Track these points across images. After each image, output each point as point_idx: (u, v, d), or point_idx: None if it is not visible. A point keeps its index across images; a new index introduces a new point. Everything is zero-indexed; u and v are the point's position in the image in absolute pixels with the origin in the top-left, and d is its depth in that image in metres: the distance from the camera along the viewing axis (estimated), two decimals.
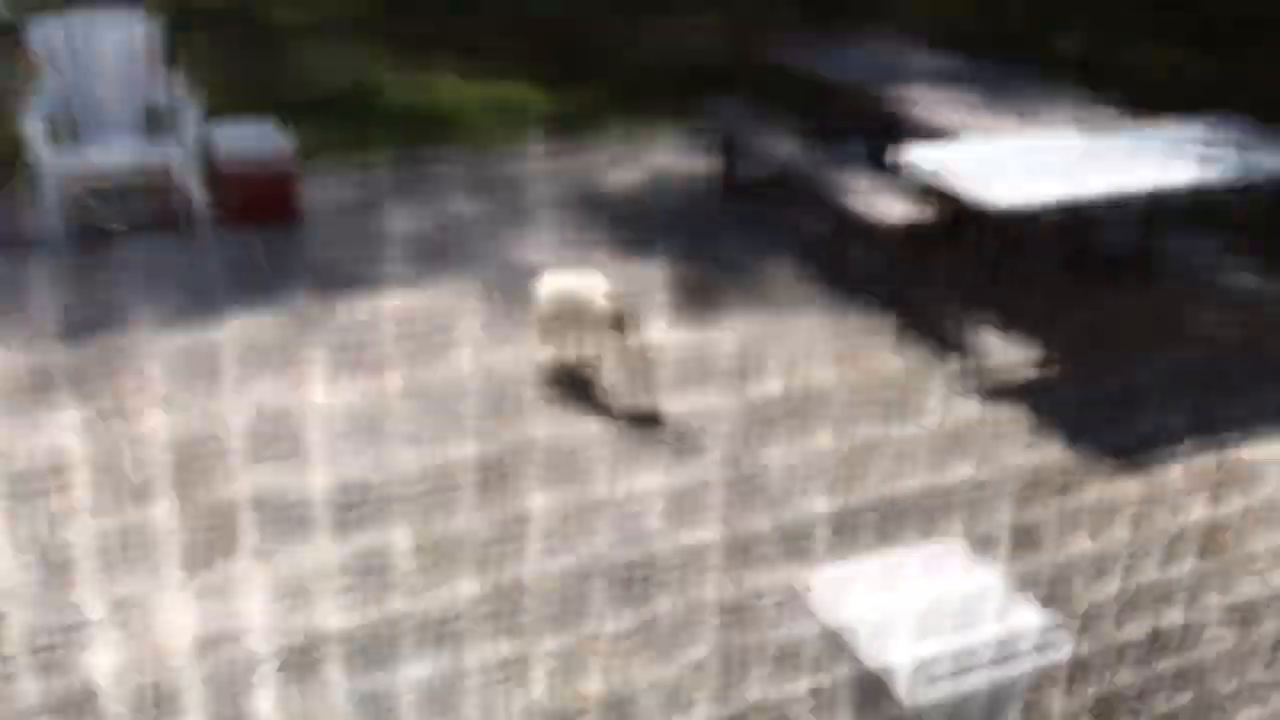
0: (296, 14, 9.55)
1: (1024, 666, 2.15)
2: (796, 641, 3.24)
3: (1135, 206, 5.06)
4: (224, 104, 6.61)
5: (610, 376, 4.52)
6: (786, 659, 3.20)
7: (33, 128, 5.50)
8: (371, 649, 3.24)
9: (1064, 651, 2.22)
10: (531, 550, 3.64)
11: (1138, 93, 6.37)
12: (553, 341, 4.58)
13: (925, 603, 2.19)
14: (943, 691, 2.10)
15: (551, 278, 4.59)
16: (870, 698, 2.23)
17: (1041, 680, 2.22)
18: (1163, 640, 3.35)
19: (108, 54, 5.95)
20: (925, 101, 5.56)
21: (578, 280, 4.53)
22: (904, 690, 2.11)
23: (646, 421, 4.32)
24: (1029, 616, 2.26)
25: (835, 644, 2.36)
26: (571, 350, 4.59)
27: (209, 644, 3.25)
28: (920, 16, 9.26)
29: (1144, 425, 4.37)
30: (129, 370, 4.59)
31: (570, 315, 4.47)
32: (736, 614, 3.38)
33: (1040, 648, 2.17)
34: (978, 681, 2.12)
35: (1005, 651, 2.14)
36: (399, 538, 3.67)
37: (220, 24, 9.09)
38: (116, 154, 5.78)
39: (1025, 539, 3.74)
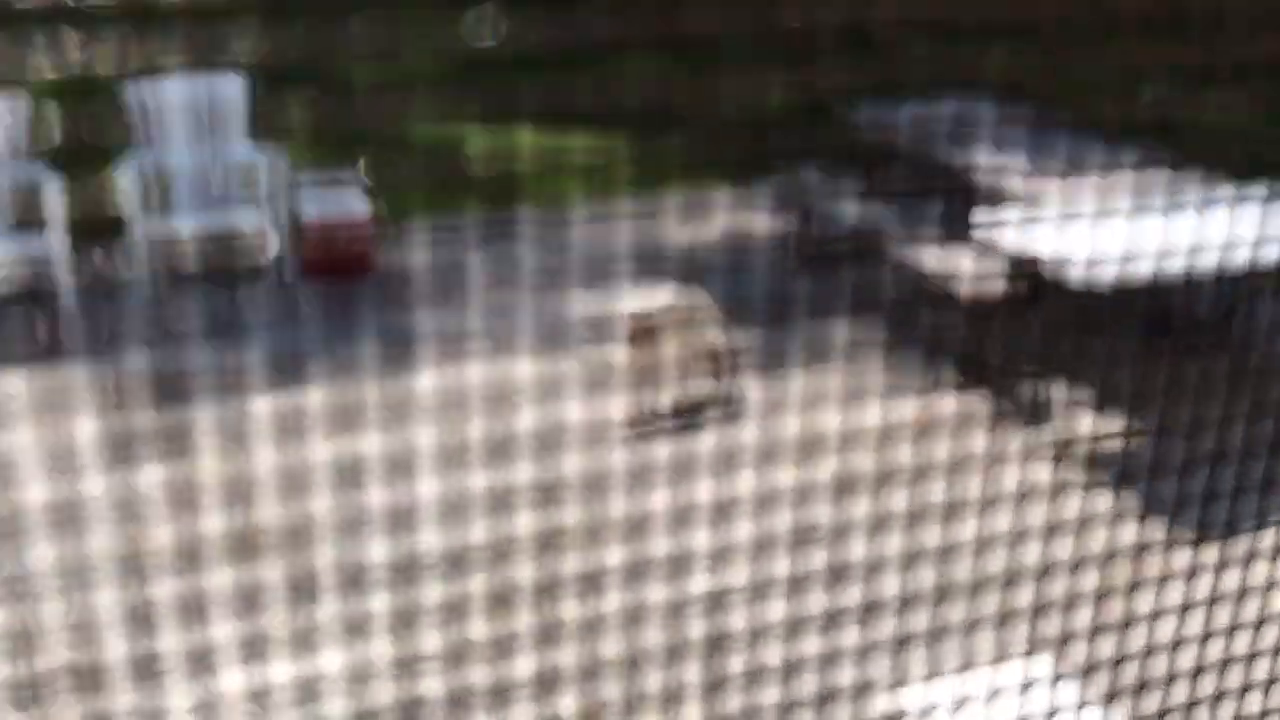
0: (378, 72, 9.75)
1: None
2: None
3: (1220, 275, 4.99)
4: (307, 161, 6.77)
5: (692, 370, 4.82)
6: None
7: (126, 188, 5.67)
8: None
9: None
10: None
11: (1222, 153, 6.30)
12: (640, 354, 4.77)
13: None
14: None
15: (636, 296, 4.94)
16: None
17: None
18: None
19: (198, 114, 6.12)
20: (1003, 166, 5.55)
21: (659, 296, 4.92)
22: None
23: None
24: None
25: None
26: (657, 358, 4.81)
27: (269, 692, 3.29)
28: (999, 75, 9.23)
29: (1228, 499, 4.29)
30: (215, 425, 4.69)
31: (658, 325, 4.78)
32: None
33: None
34: None
35: None
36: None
37: (302, 82, 9.29)
38: (206, 217, 5.96)
39: (1108, 617, 3.68)
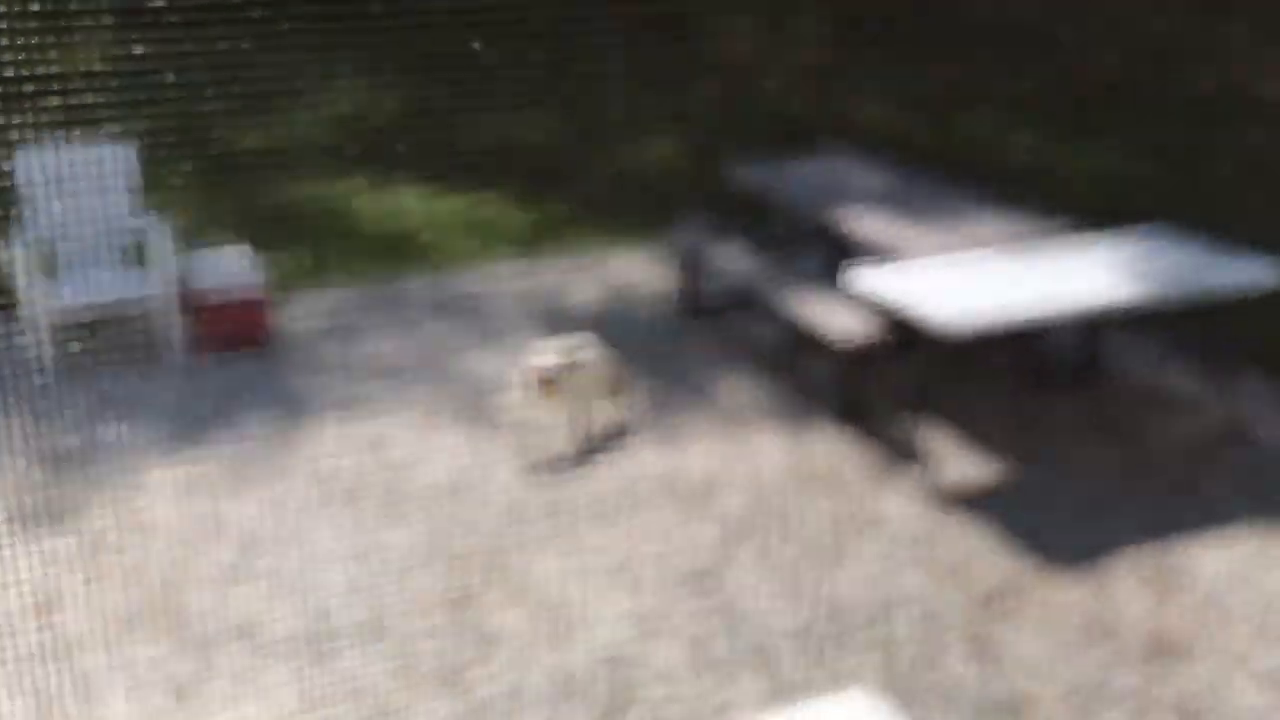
0: (264, 139, 9.80)
1: None
2: None
3: (1080, 318, 5.31)
4: (196, 230, 6.83)
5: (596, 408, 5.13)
6: None
7: (17, 258, 5.68)
8: None
9: None
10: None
11: (1086, 201, 6.67)
12: (547, 403, 4.98)
13: None
14: None
15: (542, 345, 5.16)
16: None
17: None
18: None
19: (87, 184, 6.15)
20: (874, 220, 5.82)
21: (566, 344, 5.15)
22: None
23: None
24: None
25: None
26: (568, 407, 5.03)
27: None
28: (875, 130, 9.61)
29: (1093, 530, 4.56)
30: (113, 499, 4.72)
31: (566, 372, 4.99)
32: None
33: None
34: None
35: None
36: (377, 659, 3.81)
37: (190, 151, 9.31)
38: (96, 289, 5.96)
39: (977, 648, 3.91)
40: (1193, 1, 10.15)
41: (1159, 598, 4.14)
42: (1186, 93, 9.61)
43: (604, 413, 5.14)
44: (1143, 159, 8.81)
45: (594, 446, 5.06)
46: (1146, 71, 9.83)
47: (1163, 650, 3.88)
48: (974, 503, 4.73)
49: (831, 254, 6.03)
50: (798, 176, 6.58)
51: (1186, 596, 4.14)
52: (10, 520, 4.57)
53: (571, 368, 4.99)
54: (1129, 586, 4.21)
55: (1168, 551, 4.39)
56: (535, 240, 7.66)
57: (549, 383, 4.93)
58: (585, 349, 5.10)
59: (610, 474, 4.92)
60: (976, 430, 5.23)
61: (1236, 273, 5.09)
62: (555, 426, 5.03)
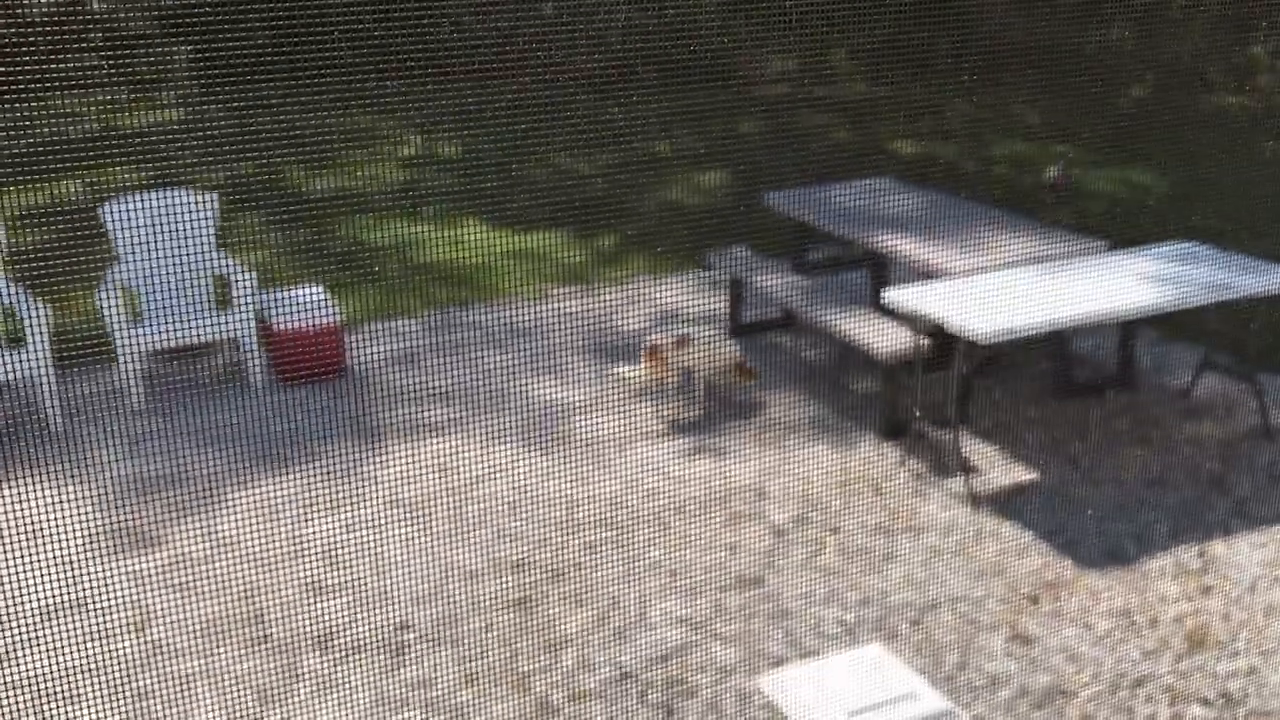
0: (333, 183, 10.23)
1: None
2: None
3: (1112, 327, 5.52)
4: (274, 269, 7.21)
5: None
6: None
7: (107, 304, 6.05)
8: None
9: None
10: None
11: (1113, 217, 6.88)
12: (655, 372, 5.81)
13: (852, 692, 2.76)
14: None
15: (657, 336, 5.93)
16: None
17: None
18: None
19: (172, 231, 6.53)
20: (912, 242, 6.07)
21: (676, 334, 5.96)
22: None
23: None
24: (933, 702, 2.80)
25: None
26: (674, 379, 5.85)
27: None
28: (909, 155, 9.86)
29: (1130, 528, 4.76)
30: (200, 520, 5.05)
31: (674, 347, 5.81)
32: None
33: None
34: None
35: None
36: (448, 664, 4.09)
37: (264, 195, 9.74)
38: (184, 328, 6.35)
39: (1020, 641, 4.12)
40: (1218, 23, 10.35)
41: (1196, 591, 4.33)
42: (1212, 112, 9.79)
43: (713, 385, 5.90)
44: (1171, 177, 8.99)
45: (687, 420, 5.74)
46: (1174, 90, 10.02)
47: (1201, 641, 4.07)
48: (1014, 505, 4.94)
49: (871, 275, 6.28)
50: (840, 203, 6.84)
51: (1223, 589, 4.33)
52: (108, 541, 4.91)
53: (680, 343, 5.74)
54: (1166, 581, 4.41)
55: (1203, 547, 4.58)
56: (587, 270, 7.98)
57: (657, 354, 5.73)
58: (698, 333, 5.96)
59: (664, 484, 5.19)
60: (1015, 436, 5.45)
61: (1264, 280, 5.29)
62: (663, 393, 5.86)
